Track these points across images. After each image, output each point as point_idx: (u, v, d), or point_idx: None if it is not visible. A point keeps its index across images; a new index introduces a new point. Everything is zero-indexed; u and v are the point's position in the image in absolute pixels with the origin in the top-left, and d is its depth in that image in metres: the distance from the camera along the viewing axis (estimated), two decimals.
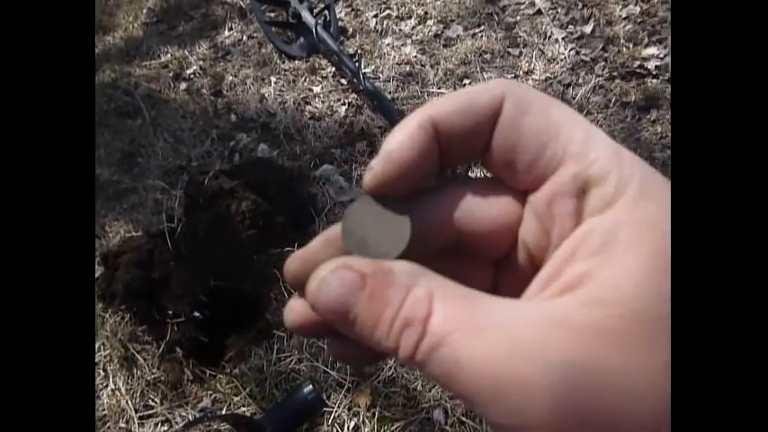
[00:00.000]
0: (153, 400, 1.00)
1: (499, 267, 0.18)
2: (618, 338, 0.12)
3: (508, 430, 0.12)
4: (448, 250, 0.17)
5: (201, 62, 1.67)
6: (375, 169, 0.16)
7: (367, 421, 0.90)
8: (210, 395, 0.99)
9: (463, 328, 0.13)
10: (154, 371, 1.03)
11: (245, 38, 1.74)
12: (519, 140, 0.15)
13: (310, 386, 0.92)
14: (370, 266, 0.15)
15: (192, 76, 1.64)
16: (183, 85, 1.61)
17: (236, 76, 1.60)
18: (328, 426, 0.91)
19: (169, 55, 1.72)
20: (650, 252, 0.13)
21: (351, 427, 0.90)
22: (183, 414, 0.97)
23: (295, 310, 0.18)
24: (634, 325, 0.12)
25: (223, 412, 0.95)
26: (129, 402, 0.99)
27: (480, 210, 0.17)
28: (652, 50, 1.45)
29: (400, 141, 0.16)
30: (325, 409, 0.92)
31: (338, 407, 0.92)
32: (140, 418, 0.97)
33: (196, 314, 1.09)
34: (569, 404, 0.12)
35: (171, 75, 1.65)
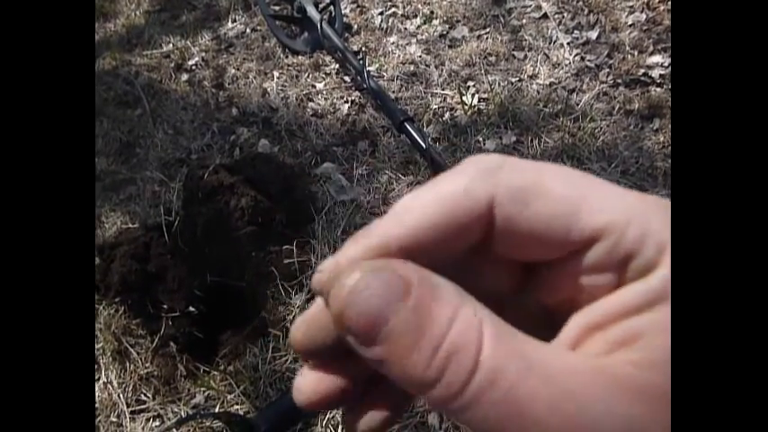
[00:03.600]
0: (145, 395, 0.99)
1: (528, 271, 0.16)
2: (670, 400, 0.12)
3: None
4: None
5: (204, 53, 1.66)
6: (322, 278, 0.14)
7: None
8: (204, 392, 0.98)
9: (519, 363, 0.11)
10: (147, 365, 1.02)
11: (248, 30, 1.73)
12: (533, 232, 0.13)
13: None
14: (416, 273, 0.12)
15: (193, 67, 1.62)
16: (185, 77, 1.59)
17: (238, 69, 1.59)
18: (322, 427, 0.90)
19: (171, 45, 1.71)
20: None
21: (345, 429, 0.90)
22: (176, 410, 0.96)
23: (306, 391, 0.15)
24: None
25: (216, 410, 0.95)
26: (121, 396, 0.98)
27: (484, 270, 0.15)
28: (657, 59, 1.44)
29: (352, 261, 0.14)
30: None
31: None
32: (132, 412, 0.96)
33: (191, 309, 1.08)
34: None
35: (172, 65, 1.63)
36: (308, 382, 0.15)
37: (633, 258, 0.13)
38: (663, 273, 0.13)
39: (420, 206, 0.13)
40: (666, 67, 1.42)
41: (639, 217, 0.13)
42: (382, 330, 0.12)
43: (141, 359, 1.03)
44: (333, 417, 0.91)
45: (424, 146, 1.14)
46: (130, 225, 1.23)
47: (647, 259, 0.13)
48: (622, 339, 0.12)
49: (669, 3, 1.59)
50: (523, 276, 0.15)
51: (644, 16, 1.56)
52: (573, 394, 0.11)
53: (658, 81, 1.39)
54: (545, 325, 0.14)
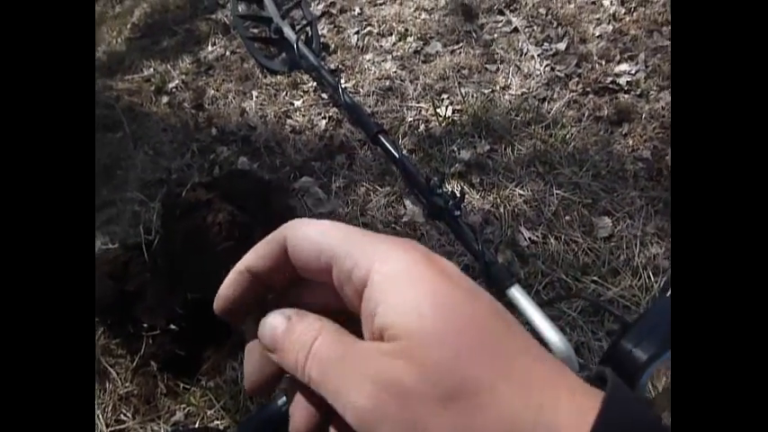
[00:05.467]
0: (125, 415, 0.98)
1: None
2: (402, 351, 0.17)
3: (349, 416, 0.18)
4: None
5: (184, 76, 1.69)
6: (216, 303, 0.23)
7: None
8: (184, 408, 0.98)
9: (329, 355, 0.19)
10: (127, 384, 1.02)
11: (227, 53, 1.76)
12: (306, 262, 0.21)
13: (284, 398, 0.91)
14: (293, 312, 0.22)
15: (173, 89, 1.65)
16: (165, 99, 1.61)
17: (217, 90, 1.61)
18: None
19: (152, 69, 1.74)
20: (395, 290, 0.18)
21: None
22: (156, 428, 0.96)
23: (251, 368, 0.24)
24: (404, 339, 0.18)
25: (196, 425, 0.94)
26: (101, 417, 0.97)
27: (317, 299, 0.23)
28: (624, 67, 1.49)
29: (226, 286, 0.23)
30: None
31: None
32: None
33: (172, 327, 1.08)
34: (384, 385, 0.17)
35: (153, 89, 1.66)
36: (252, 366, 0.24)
37: (351, 277, 0.20)
38: (373, 283, 0.19)
39: (255, 248, 0.22)
40: (633, 75, 1.47)
41: (356, 249, 0.20)
42: (278, 345, 0.21)
43: (121, 379, 1.03)
44: None
45: (397, 156, 1.16)
46: (110, 246, 1.23)
47: (360, 278, 0.19)
48: (377, 335, 0.19)
49: (634, 14, 1.65)
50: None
51: (610, 27, 1.62)
52: (351, 364, 0.18)
53: (626, 88, 1.44)
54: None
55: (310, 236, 0.21)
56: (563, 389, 0.16)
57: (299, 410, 0.22)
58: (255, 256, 0.22)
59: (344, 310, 0.22)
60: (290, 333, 0.21)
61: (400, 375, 0.17)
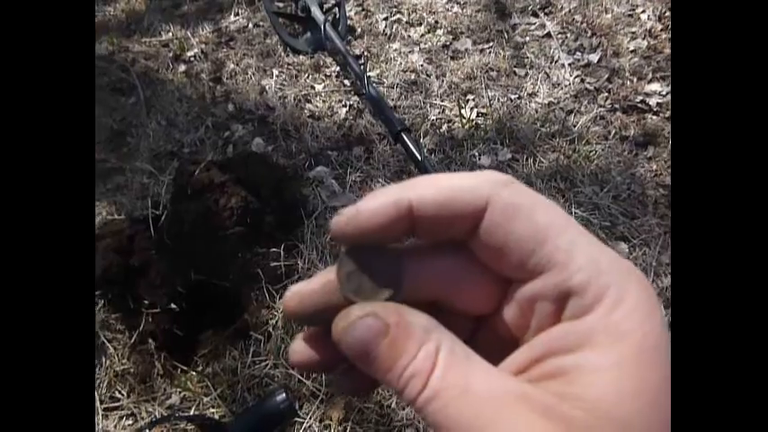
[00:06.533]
0: (120, 392, 0.97)
1: (478, 322, 0.19)
2: (580, 428, 0.14)
3: None
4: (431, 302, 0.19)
5: (203, 45, 1.63)
6: (341, 221, 0.17)
7: None
8: (180, 393, 0.97)
9: (455, 387, 0.15)
10: (123, 361, 1.01)
11: (250, 25, 1.71)
12: (506, 244, 0.16)
13: (284, 394, 0.90)
14: (394, 317, 0.16)
15: (192, 58, 1.60)
16: (182, 68, 1.57)
17: (237, 65, 1.57)
18: None
19: (171, 34, 1.68)
20: (618, 357, 0.15)
21: None
22: (150, 409, 0.95)
23: (298, 353, 0.20)
24: (596, 420, 0.14)
25: (192, 412, 0.93)
26: (95, 393, 0.96)
27: (465, 285, 0.18)
28: (655, 87, 1.46)
29: (372, 209, 0.17)
30: (296, 419, 0.91)
31: (310, 418, 0.91)
32: (105, 409, 0.94)
33: (173, 306, 1.06)
34: None
35: (170, 55, 1.60)
36: (299, 349, 0.20)
37: (572, 297, 0.16)
38: (591, 320, 0.15)
39: (434, 183, 0.17)
40: (664, 96, 1.43)
41: (591, 269, 0.16)
42: (369, 356, 0.16)
43: (118, 355, 1.01)
44: (309, 426, 0.90)
45: (419, 157, 1.13)
46: (116, 216, 1.21)
47: (584, 304, 0.15)
48: (551, 373, 0.16)
49: (671, 31, 1.61)
50: (496, 296, 0.18)
51: (645, 43, 1.58)
52: (491, 413, 0.14)
53: (655, 109, 1.40)
54: (506, 347, 0.18)
55: (536, 218, 0.16)
56: None
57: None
58: (432, 200, 0.17)
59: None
60: (395, 347, 0.16)
61: None
